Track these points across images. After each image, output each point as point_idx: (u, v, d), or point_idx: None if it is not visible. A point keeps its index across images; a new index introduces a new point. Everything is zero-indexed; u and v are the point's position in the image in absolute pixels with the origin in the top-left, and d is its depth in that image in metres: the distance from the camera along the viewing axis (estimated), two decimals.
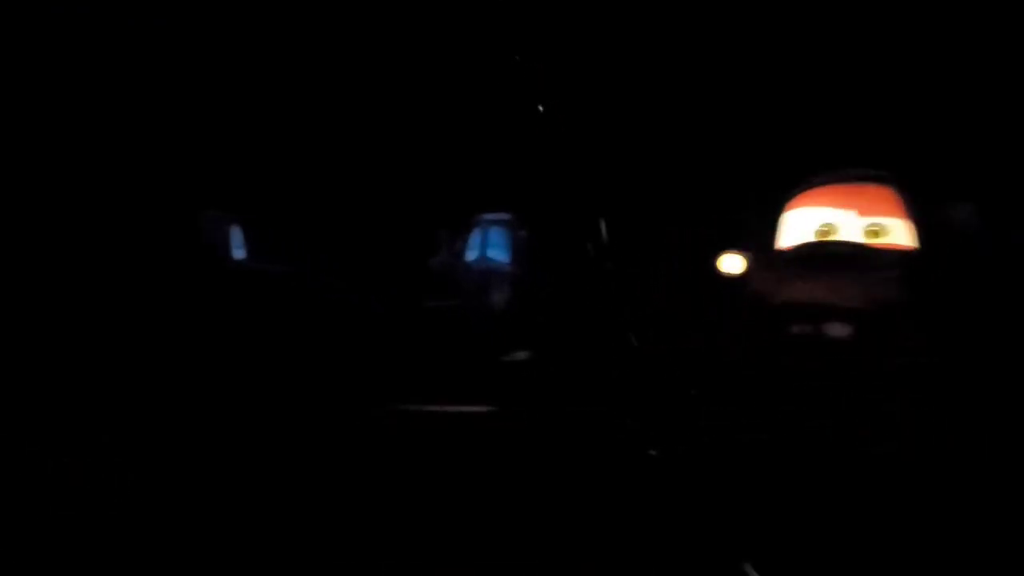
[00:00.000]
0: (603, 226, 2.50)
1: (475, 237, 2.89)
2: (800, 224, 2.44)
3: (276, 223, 2.76)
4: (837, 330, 2.28)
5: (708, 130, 2.55)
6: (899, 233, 2.34)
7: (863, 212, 2.37)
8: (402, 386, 2.35)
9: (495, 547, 2.05)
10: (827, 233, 2.38)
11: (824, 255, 2.35)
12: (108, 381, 2.31)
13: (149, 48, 2.55)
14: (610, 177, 2.54)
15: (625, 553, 2.05)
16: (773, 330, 2.33)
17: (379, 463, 2.22)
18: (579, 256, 2.49)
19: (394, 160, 2.72)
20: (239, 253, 2.75)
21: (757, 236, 2.47)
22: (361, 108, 2.68)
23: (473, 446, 2.23)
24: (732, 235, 2.49)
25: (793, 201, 2.47)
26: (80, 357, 2.34)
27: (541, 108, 2.52)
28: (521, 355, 2.55)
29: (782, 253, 2.44)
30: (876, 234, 2.34)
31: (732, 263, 2.46)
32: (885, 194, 2.38)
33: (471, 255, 2.88)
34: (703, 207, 2.49)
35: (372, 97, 2.67)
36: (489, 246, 2.87)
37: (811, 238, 2.40)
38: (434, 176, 2.75)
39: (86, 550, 2.07)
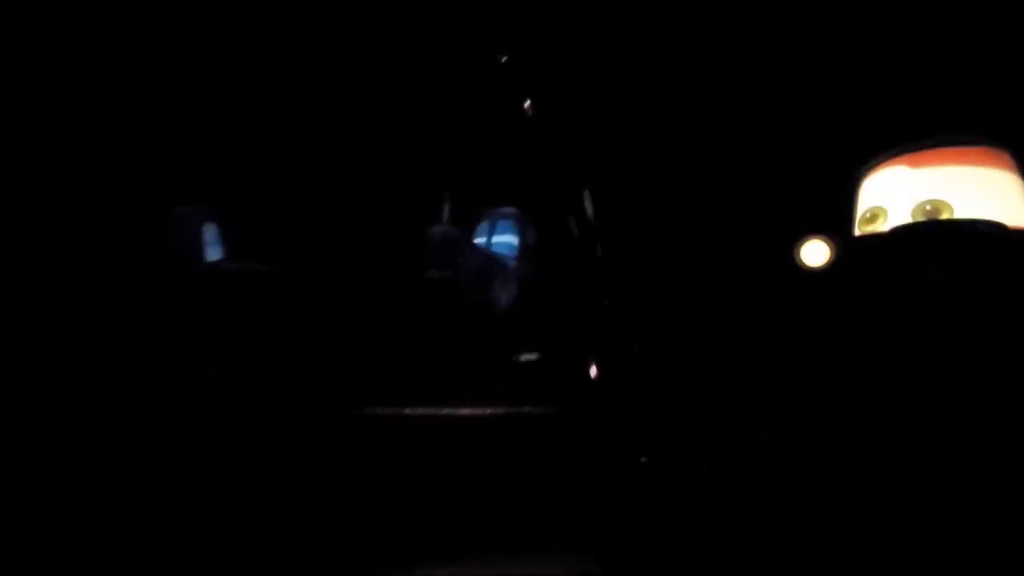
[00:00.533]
0: (595, 221, 2.47)
1: (481, 228, 2.85)
2: (895, 201, 2.00)
3: (267, 220, 2.72)
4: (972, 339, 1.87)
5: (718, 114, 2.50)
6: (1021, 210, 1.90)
7: (975, 185, 1.91)
8: (399, 388, 2.34)
9: (494, 549, 2.05)
10: (935, 212, 1.95)
11: (934, 240, 1.91)
12: (108, 381, 2.31)
13: (145, 46, 2.54)
14: (610, 175, 2.54)
15: (625, 553, 2.06)
16: (876, 337, 1.98)
17: (376, 466, 2.22)
18: (578, 254, 2.48)
19: (391, 152, 2.71)
20: (215, 252, 2.67)
21: (831, 218, 2.14)
22: (354, 99, 2.67)
23: (475, 449, 2.23)
24: (800, 218, 2.17)
25: (878, 172, 2.07)
26: (79, 357, 2.34)
27: (535, 105, 2.51)
28: (525, 356, 2.52)
29: (873, 239, 2.03)
30: (999, 212, 1.87)
31: (814, 252, 2.03)
32: (1004, 162, 1.93)
33: (476, 241, 2.83)
34: (704, 206, 2.48)
35: (367, 88, 2.66)
36: (494, 238, 2.82)
37: (910, 218, 1.98)
38: (434, 169, 2.74)
39: (86, 550, 2.07)
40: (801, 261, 2.09)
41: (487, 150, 2.66)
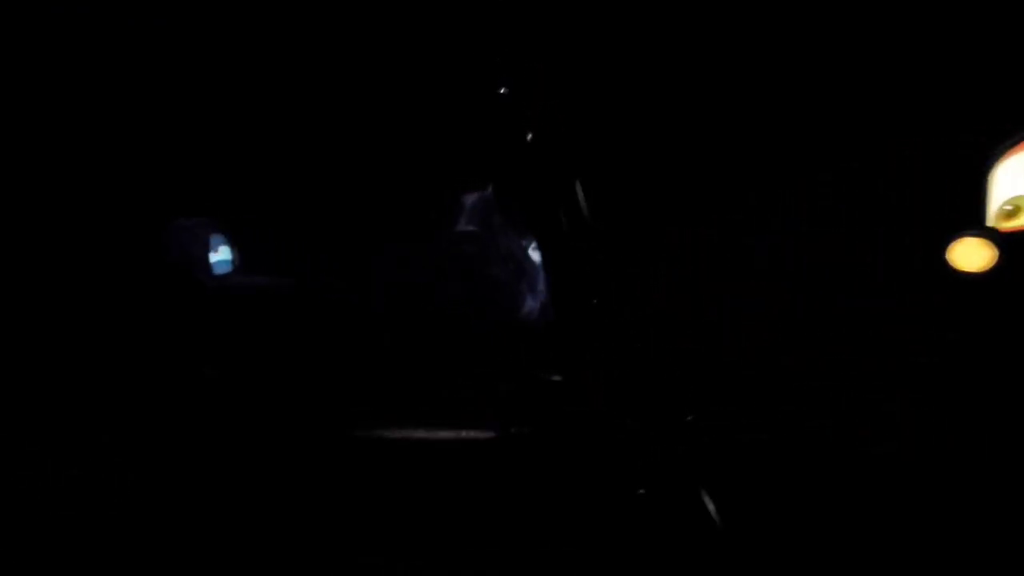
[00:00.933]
0: (591, 219, 2.45)
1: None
2: None
3: (270, 222, 2.67)
4: None
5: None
6: None
7: None
8: (409, 407, 2.33)
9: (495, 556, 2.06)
10: None
11: None
12: (108, 381, 2.31)
13: (147, 48, 2.54)
14: (609, 175, 2.53)
15: (624, 556, 2.06)
16: None
17: (372, 479, 2.22)
18: (574, 253, 2.47)
19: (389, 151, 2.70)
20: (221, 267, 2.61)
21: (832, 218, 2.06)
22: (351, 98, 2.66)
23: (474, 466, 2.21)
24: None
25: (1013, 157, 1.88)
26: (80, 358, 2.34)
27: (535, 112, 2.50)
28: (552, 376, 2.46)
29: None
30: None
31: (970, 253, 1.79)
32: None
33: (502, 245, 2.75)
34: (704, 206, 2.48)
35: (363, 88, 2.65)
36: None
37: None
38: (433, 169, 2.72)
39: (86, 550, 2.08)
40: (954, 265, 1.86)
41: (485, 150, 2.65)
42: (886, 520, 2.03)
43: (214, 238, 2.57)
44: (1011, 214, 1.92)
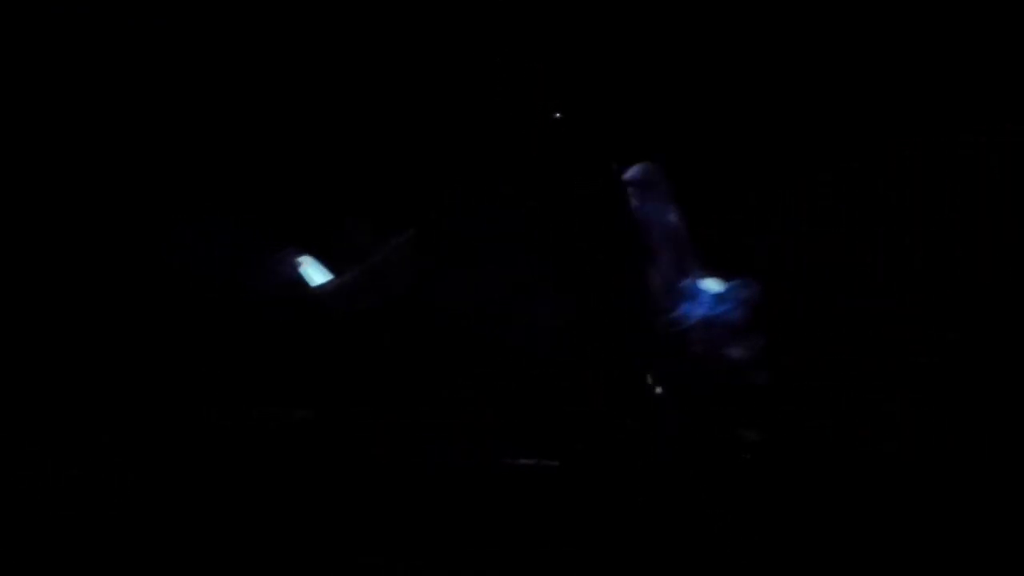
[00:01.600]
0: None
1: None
2: None
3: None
4: None
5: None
6: None
7: None
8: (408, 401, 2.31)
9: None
10: None
11: None
12: (108, 381, 2.31)
13: (150, 48, 2.54)
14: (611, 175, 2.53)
15: (626, 554, 2.05)
16: None
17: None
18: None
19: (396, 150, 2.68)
20: (319, 279, 2.60)
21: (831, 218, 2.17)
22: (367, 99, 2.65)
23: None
24: None
25: None
26: (81, 358, 2.34)
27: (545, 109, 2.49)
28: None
29: None
30: None
31: None
32: None
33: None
34: (704, 206, 2.48)
35: (381, 89, 2.64)
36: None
37: None
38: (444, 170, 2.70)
39: (86, 550, 2.07)
40: None
41: (496, 151, 2.65)
42: (886, 519, 2.03)
43: (302, 258, 2.57)
44: None
